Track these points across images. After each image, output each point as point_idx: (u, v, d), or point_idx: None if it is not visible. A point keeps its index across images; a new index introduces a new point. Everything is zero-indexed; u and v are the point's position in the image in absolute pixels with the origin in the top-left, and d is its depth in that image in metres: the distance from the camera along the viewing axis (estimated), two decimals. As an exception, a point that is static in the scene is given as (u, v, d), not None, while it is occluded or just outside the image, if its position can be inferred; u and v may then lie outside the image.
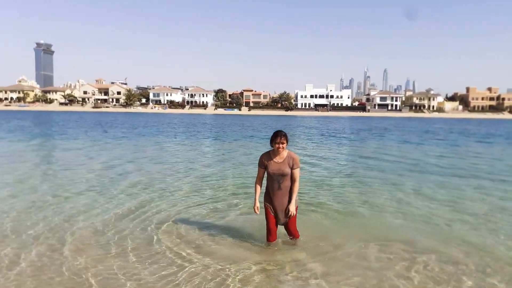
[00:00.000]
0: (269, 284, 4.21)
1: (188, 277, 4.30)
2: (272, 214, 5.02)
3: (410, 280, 4.28)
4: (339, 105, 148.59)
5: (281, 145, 4.77)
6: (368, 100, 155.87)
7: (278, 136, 4.75)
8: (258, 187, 5.05)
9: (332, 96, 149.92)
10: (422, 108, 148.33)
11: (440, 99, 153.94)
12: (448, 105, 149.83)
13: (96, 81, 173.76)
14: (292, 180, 4.91)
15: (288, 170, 4.84)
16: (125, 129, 35.05)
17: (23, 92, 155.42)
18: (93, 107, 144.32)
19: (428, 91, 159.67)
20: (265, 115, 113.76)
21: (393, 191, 8.97)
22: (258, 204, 4.99)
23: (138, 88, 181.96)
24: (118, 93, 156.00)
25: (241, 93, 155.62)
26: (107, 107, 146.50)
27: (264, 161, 4.93)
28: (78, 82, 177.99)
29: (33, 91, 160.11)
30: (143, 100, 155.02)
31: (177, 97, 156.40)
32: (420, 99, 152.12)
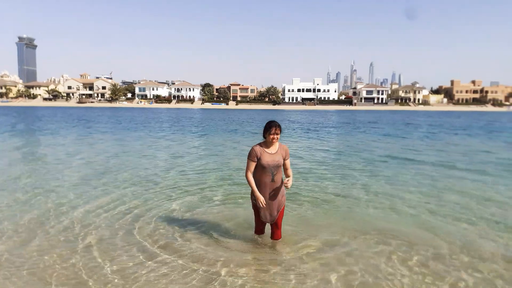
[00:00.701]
0: (257, 278, 4.23)
1: (169, 272, 4.29)
2: (262, 215, 4.90)
3: (394, 271, 4.35)
4: (326, 99, 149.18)
5: (275, 136, 4.66)
6: (354, 93, 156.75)
7: (272, 127, 4.63)
8: (252, 179, 4.75)
9: (319, 90, 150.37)
10: (407, 101, 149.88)
11: (425, 92, 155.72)
12: (433, 98, 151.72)
13: (81, 75, 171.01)
14: (285, 169, 4.87)
15: (282, 161, 4.77)
16: (110, 124, 34.65)
17: (5, 88, 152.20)
18: (78, 102, 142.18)
19: (413, 84, 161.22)
20: (252, 109, 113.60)
21: (369, 183, 9.09)
22: (262, 198, 4.70)
23: (124, 82, 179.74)
24: (103, 88, 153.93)
25: (228, 87, 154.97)
26: (92, 102, 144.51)
27: (257, 153, 4.70)
28: (62, 77, 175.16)
29: (16, 86, 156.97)
30: (129, 95, 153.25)
31: (164, 91, 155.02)
32: (406, 92, 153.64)
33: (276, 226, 5.04)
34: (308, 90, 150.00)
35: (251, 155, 4.71)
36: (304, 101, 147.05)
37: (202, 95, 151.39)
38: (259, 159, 4.68)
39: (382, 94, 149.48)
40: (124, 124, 35.22)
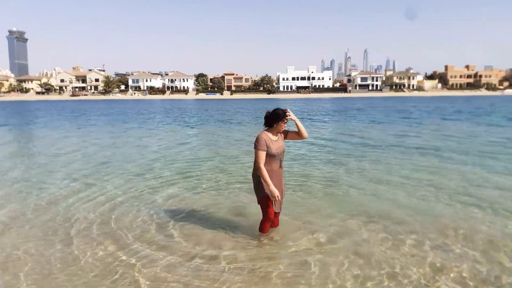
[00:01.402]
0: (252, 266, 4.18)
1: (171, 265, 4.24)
2: (276, 205, 4.67)
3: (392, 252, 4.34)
4: (321, 86, 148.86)
5: (283, 124, 4.58)
6: (349, 81, 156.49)
7: (282, 116, 4.51)
8: (266, 171, 4.49)
9: (313, 78, 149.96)
10: (402, 87, 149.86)
11: (419, 78, 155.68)
12: (428, 84, 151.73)
13: (73, 68, 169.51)
14: (296, 132, 4.68)
15: (284, 148, 4.74)
16: (103, 116, 34.38)
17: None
18: (71, 96, 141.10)
19: (408, 70, 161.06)
20: (247, 99, 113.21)
21: (356, 167, 9.09)
22: (277, 192, 4.47)
23: (117, 74, 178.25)
24: (96, 80, 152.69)
25: (223, 77, 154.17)
26: (85, 95, 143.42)
27: (267, 141, 4.51)
28: (55, 70, 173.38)
29: (7, 80, 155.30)
30: (122, 87, 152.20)
31: (157, 82, 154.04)
32: (400, 78, 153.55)
33: (277, 216, 4.98)
34: (303, 78, 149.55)
35: (261, 145, 4.46)
36: (299, 89, 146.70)
37: (196, 85, 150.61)
38: (268, 148, 4.52)
39: (376, 80, 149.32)
40: (117, 116, 34.97)
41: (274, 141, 4.58)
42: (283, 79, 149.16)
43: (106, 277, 3.92)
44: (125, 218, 5.74)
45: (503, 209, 5.92)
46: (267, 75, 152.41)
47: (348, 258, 4.29)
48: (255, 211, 5.48)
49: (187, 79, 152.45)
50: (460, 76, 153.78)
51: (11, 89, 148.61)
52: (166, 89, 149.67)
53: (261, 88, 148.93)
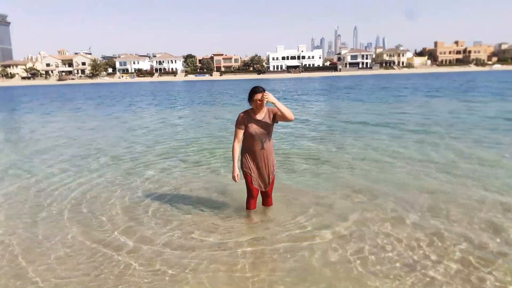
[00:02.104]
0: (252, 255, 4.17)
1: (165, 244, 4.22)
2: (254, 182, 4.67)
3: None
4: (311, 65, 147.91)
5: (258, 102, 4.38)
6: (339, 59, 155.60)
7: (256, 93, 4.35)
8: (237, 151, 4.57)
9: (303, 57, 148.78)
10: (392, 64, 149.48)
11: (409, 55, 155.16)
12: (417, 61, 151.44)
13: (59, 52, 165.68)
14: (280, 115, 4.44)
15: (271, 127, 4.54)
16: (90, 100, 33.87)
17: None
18: (58, 80, 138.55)
19: (397, 47, 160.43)
20: (237, 79, 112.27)
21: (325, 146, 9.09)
22: (237, 171, 4.55)
23: (104, 57, 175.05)
24: (83, 63, 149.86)
25: (211, 58, 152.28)
26: (72, 79, 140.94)
27: (244, 120, 4.47)
28: (40, 54, 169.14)
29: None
30: (110, 70, 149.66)
31: (145, 64, 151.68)
32: (390, 55, 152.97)
33: (266, 194, 4.94)
34: (293, 58, 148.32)
35: (238, 122, 4.49)
36: (289, 69, 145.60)
37: (184, 67, 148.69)
38: (246, 127, 4.47)
39: (366, 58, 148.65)
40: (104, 99, 34.49)
41: (256, 120, 4.47)
42: (273, 58, 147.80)
43: (70, 261, 3.89)
44: (97, 201, 5.68)
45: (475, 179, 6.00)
46: (256, 55, 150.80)
47: (335, 234, 4.32)
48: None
49: (175, 61, 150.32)
50: (450, 52, 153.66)
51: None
52: (154, 71, 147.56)
53: (251, 69, 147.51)
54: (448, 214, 4.80)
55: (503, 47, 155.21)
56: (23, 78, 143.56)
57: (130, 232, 4.54)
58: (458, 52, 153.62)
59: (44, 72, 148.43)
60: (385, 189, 5.83)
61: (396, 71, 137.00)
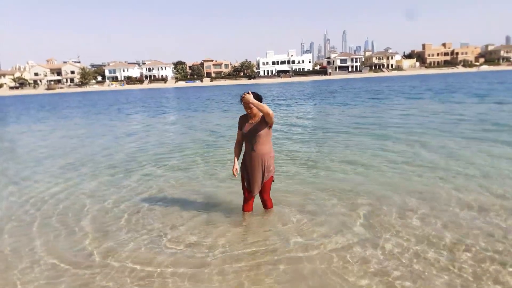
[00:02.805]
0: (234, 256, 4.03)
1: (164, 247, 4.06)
2: (246, 183, 4.80)
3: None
4: (301, 70, 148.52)
5: (248, 110, 4.51)
6: (329, 63, 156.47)
7: (241, 98, 4.45)
8: (237, 149, 4.83)
9: (293, 62, 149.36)
10: (381, 67, 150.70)
11: (398, 57, 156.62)
12: (406, 63, 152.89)
13: (47, 61, 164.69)
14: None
15: (263, 130, 4.53)
16: (77, 108, 33.52)
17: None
18: (47, 89, 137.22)
19: (386, 50, 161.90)
20: (227, 85, 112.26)
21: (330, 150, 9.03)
22: (237, 166, 4.75)
23: (93, 65, 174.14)
24: (72, 72, 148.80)
25: (202, 64, 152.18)
26: (61, 87, 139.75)
27: (240, 122, 4.71)
28: (28, 63, 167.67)
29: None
30: (99, 78, 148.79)
31: (135, 72, 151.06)
32: (379, 58, 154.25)
33: (262, 198, 4.93)
34: (283, 62, 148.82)
35: (239, 124, 4.74)
36: (280, 73, 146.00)
37: (175, 73, 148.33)
38: (242, 128, 4.65)
39: (356, 62, 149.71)
40: (91, 108, 34.16)
41: (249, 123, 4.60)
42: (263, 63, 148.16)
43: (34, 273, 3.74)
44: (70, 211, 5.53)
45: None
46: (246, 60, 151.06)
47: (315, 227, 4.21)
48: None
49: (165, 68, 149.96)
50: (438, 54, 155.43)
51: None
52: (144, 78, 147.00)
53: (241, 74, 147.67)
54: (443, 216, 4.73)
55: (490, 48, 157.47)
56: (11, 88, 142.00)
57: (100, 242, 4.40)
58: (446, 54, 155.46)
59: (32, 82, 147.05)
60: (374, 191, 5.75)
61: (385, 73, 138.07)
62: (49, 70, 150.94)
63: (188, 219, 4.99)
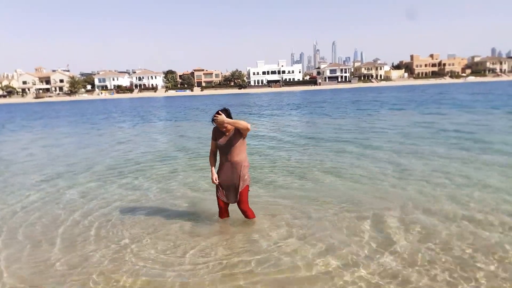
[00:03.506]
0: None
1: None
2: (219, 193, 4.86)
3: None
4: (291, 80, 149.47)
5: (223, 128, 4.58)
6: (318, 73, 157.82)
7: (213, 120, 4.53)
8: (213, 159, 4.88)
9: (284, 72, 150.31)
10: (370, 77, 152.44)
11: (387, 68, 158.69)
12: (395, 74, 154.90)
13: (36, 69, 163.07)
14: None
15: (238, 142, 4.61)
16: (63, 117, 33.17)
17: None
18: (35, 98, 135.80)
19: (375, 61, 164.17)
20: (218, 94, 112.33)
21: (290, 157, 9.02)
22: (215, 175, 4.79)
23: (82, 74, 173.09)
24: (61, 81, 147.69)
25: (192, 73, 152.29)
26: (50, 96, 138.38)
27: (214, 133, 4.77)
28: (16, 72, 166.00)
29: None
30: (89, 87, 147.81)
31: (125, 81, 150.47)
32: (368, 69, 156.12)
33: (241, 208, 4.90)
34: (273, 72, 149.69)
35: (212, 134, 4.81)
36: (270, 83, 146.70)
37: (165, 82, 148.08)
38: (216, 139, 4.72)
39: (345, 72, 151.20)
40: (78, 117, 33.86)
41: (223, 134, 4.67)
42: (254, 73, 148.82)
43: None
44: (37, 225, 5.40)
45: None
46: (237, 70, 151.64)
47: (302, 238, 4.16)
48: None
49: (155, 76, 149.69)
50: (425, 65, 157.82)
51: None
52: (134, 87, 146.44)
53: (232, 83, 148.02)
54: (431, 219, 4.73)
55: (476, 59, 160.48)
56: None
57: (67, 253, 4.30)
58: (434, 65, 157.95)
59: (20, 90, 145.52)
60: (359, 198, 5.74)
61: (374, 84, 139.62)
62: (37, 78, 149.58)
63: (160, 229, 4.92)
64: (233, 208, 5.05)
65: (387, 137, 12.28)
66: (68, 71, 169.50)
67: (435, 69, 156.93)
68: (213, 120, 4.54)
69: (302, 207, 5.59)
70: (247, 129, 4.50)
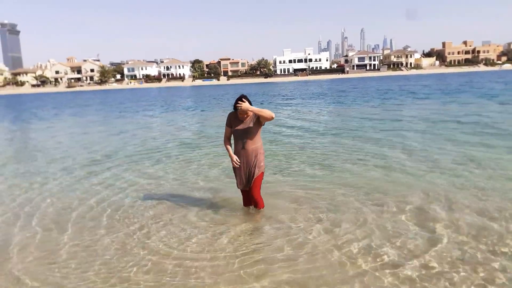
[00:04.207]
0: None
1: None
2: (237, 180, 4.95)
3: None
4: (318, 68, 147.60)
5: (245, 115, 4.66)
6: (346, 61, 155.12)
7: (236, 103, 4.59)
8: (227, 143, 4.92)
9: (310, 60, 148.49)
10: (400, 65, 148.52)
11: (417, 55, 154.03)
12: (425, 61, 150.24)
13: (68, 59, 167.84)
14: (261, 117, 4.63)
15: (255, 129, 4.68)
16: (101, 105, 34.15)
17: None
18: (67, 87, 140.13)
19: (405, 48, 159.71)
20: (244, 83, 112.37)
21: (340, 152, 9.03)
22: (235, 156, 4.78)
23: (112, 64, 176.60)
24: (92, 70, 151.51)
25: (218, 63, 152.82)
26: (81, 85, 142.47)
27: (230, 120, 4.81)
28: (49, 62, 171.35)
29: (2, 74, 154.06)
30: (118, 76, 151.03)
31: (153, 70, 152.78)
32: (398, 57, 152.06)
33: (252, 197, 4.96)
34: (300, 61, 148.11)
35: (227, 120, 4.85)
36: (296, 72, 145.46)
37: (192, 72, 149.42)
38: (232, 127, 4.76)
39: (374, 60, 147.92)
40: (113, 106, 34.72)
41: (240, 121, 4.70)
42: (280, 62, 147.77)
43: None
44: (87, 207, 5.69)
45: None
46: (263, 59, 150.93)
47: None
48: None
49: (182, 66, 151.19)
50: (458, 53, 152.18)
51: (6, 83, 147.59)
52: (162, 77, 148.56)
53: (258, 72, 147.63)
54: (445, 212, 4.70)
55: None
56: (33, 85, 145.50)
57: (75, 239, 4.53)
58: (467, 52, 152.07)
59: (53, 80, 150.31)
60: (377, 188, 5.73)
61: (404, 72, 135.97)
62: (69, 68, 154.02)
63: (176, 217, 5.06)
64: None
65: (418, 127, 12.01)
66: (99, 60, 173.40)
67: (469, 56, 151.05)
68: (235, 108, 4.58)
69: (329, 195, 5.61)
70: (272, 118, 4.54)
